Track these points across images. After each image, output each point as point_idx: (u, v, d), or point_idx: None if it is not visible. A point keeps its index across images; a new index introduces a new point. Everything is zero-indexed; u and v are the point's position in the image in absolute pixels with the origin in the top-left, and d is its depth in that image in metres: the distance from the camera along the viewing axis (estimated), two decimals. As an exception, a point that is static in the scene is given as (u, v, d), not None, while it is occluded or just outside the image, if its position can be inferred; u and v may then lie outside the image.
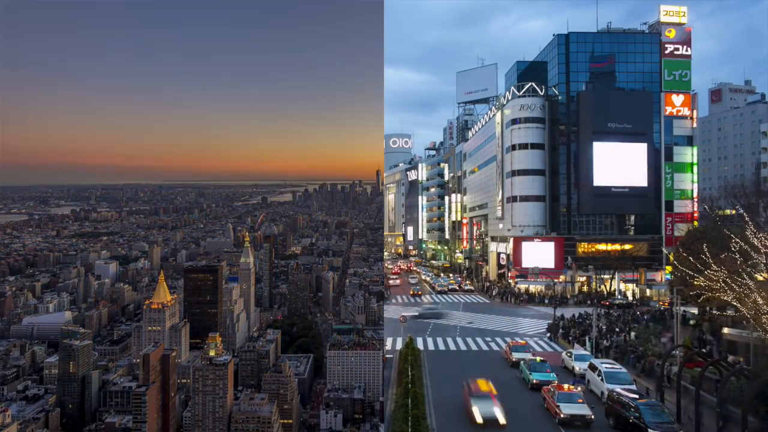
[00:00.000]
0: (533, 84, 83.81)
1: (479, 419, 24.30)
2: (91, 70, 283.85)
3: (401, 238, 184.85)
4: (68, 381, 54.19)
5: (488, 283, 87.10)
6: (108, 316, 78.58)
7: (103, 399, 54.98)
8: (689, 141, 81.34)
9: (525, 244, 79.51)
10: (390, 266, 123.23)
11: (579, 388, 27.26)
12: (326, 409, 55.83)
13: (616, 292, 74.91)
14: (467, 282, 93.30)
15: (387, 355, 42.67)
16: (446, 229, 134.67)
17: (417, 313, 61.15)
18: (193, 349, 66.45)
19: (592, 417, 24.41)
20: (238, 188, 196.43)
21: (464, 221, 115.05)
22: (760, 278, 30.07)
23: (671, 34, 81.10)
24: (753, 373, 24.04)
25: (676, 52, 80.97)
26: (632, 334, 43.15)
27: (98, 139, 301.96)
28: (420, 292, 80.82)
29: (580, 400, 25.25)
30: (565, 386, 26.78)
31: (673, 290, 41.72)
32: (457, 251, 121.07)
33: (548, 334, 49.56)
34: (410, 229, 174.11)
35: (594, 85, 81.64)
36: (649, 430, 21.52)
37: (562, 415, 24.45)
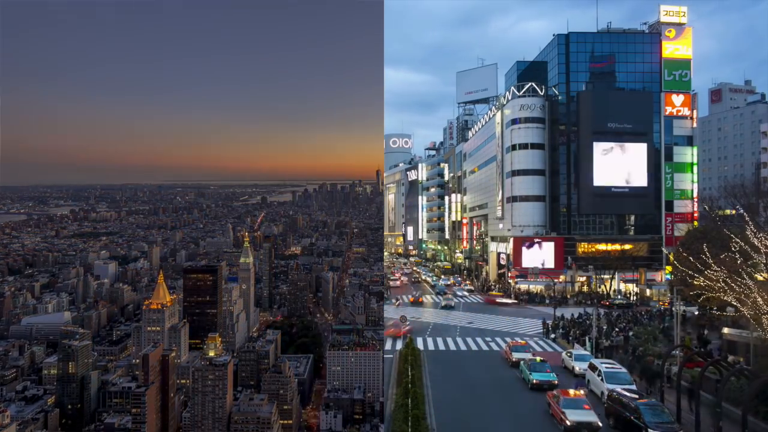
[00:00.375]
0: (533, 84, 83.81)
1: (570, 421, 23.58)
2: (91, 70, 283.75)
3: (401, 238, 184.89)
4: (67, 381, 54.04)
5: (490, 284, 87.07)
6: (107, 316, 78.43)
7: (103, 399, 54.80)
8: (689, 141, 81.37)
9: (525, 244, 79.49)
10: (388, 265, 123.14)
11: (582, 391, 26.54)
12: (326, 410, 55.71)
13: (615, 292, 74.89)
14: (468, 282, 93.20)
15: (386, 356, 42.62)
16: (446, 229, 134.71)
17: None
18: (192, 349, 66.32)
19: (599, 424, 23.47)
20: (237, 188, 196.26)
21: (464, 221, 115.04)
22: (760, 278, 30.02)
23: (671, 34, 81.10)
24: (753, 373, 24.00)
25: (676, 52, 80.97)
26: (630, 333, 43.12)
27: (97, 139, 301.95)
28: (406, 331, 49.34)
29: (587, 406, 24.28)
30: (571, 392, 25.83)
31: (673, 290, 41.72)
32: (457, 251, 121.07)
33: (552, 335, 49.27)
34: (410, 229, 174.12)
35: (594, 85, 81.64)
36: (649, 430, 21.47)
37: (568, 422, 23.39)
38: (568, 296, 74.29)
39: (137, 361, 56.57)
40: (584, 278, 78.04)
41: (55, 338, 64.79)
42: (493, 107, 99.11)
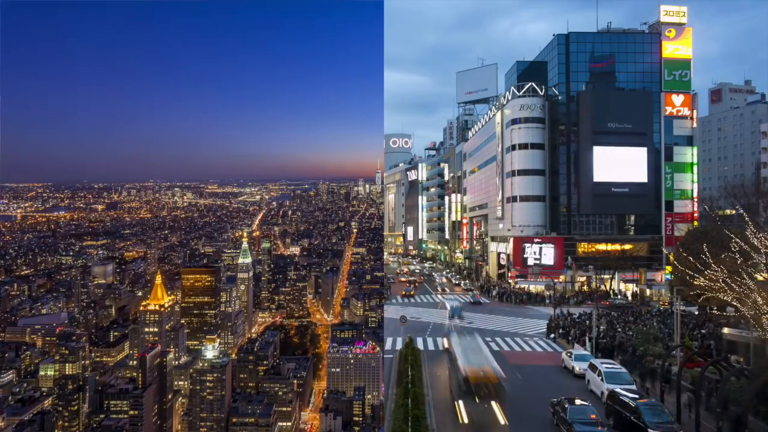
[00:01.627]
0: (533, 84, 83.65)
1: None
2: (91, 69, 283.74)
3: (401, 238, 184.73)
4: (64, 383, 53.84)
5: (490, 284, 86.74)
6: (105, 317, 78.22)
7: (100, 401, 54.56)
8: (689, 141, 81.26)
9: (525, 244, 79.30)
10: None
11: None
12: (325, 412, 55.47)
13: (613, 293, 74.62)
14: (468, 283, 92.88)
15: (386, 356, 42.39)
16: (446, 229, 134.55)
17: None
18: (191, 350, 66.16)
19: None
20: (237, 188, 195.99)
21: (464, 221, 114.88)
22: (760, 278, 29.80)
23: (671, 34, 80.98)
24: (753, 373, 23.81)
25: (676, 52, 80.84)
26: (629, 333, 42.91)
27: (97, 139, 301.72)
28: None
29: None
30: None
31: (673, 290, 41.52)
32: (457, 251, 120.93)
33: (552, 335, 48.94)
34: (410, 229, 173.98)
35: (594, 85, 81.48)
36: (649, 430, 21.29)
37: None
38: (568, 296, 74.04)
39: (135, 362, 56.35)
40: (584, 278, 77.85)
41: (52, 339, 64.52)
42: (493, 107, 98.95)
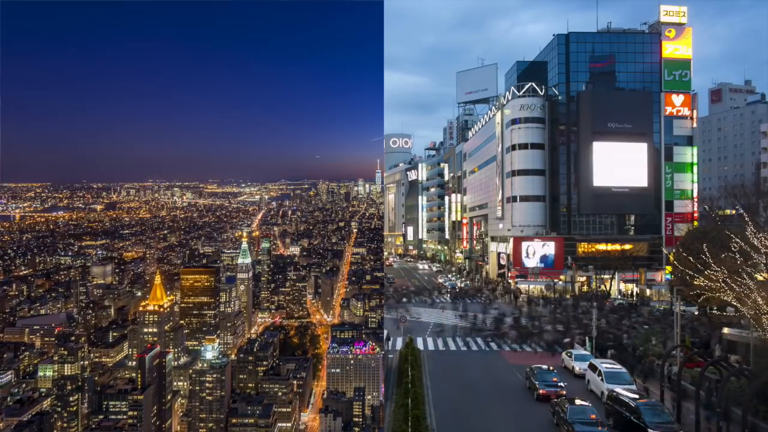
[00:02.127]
0: (533, 84, 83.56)
1: None
2: (91, 69, 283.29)
3: (401, 238, 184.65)
4: (63, 384, 53.70)
5: (491, 285, 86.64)
6: (104, 317, 78.06)
7: (99, 402, 54.40)
8: (689, 141, 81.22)
9: (525, 244, 79.23)
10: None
11: None
12: (325, 413, 55.34)
13: (612, 293, 74.51)
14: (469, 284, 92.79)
15: (387, 356, 42.35)
16: (446, 229, 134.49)
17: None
18: (190, 351, 66.03)
19: None
20: (236, 188, 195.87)
21: (464, 221, 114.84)
22: (760, 278, 29.74)
23: (671, 34, 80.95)
24: (753, 373, 23.75)
25: (676, 52, 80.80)
26: (629, 333, 42.85)
27: (96, 138, 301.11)
28: None
29: None
30: None
31: (673, 290, 41.42)
32: (457, 251, 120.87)
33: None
34: (410, 229, 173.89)
35: (594, 85, 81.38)
36: (649, 430, 21.25)
37: None
38: (568, 296, 73.91)
39: (134, 363, 56.21)
40: (584, 278, 77.75)
41: (51, 340, 64.39)
42: (493, 107, 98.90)
